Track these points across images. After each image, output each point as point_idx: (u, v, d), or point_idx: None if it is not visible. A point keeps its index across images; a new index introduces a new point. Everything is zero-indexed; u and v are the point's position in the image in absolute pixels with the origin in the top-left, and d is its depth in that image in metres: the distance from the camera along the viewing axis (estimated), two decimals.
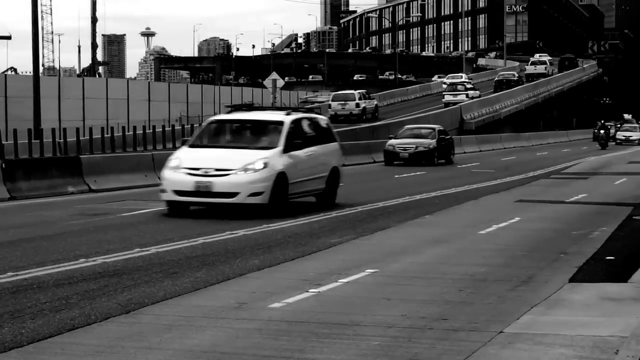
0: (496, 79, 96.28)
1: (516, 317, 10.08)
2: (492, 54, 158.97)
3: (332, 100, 72.94)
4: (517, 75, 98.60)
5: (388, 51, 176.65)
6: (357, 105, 71.11)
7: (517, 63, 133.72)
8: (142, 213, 20.78)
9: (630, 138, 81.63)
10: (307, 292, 11.44)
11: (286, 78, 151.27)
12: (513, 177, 34.56)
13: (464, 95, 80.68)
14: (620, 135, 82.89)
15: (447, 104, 78.47)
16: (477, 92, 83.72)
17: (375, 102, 75.97)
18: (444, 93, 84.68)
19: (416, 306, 10.65)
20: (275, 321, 9.80)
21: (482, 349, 8.67)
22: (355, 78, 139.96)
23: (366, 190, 28.18)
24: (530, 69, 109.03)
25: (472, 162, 46.01)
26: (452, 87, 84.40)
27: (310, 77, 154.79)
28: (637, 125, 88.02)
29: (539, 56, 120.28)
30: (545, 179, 34.28)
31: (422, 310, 10.41)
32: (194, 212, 21.16)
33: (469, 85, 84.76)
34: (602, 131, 70.97)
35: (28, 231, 17.27)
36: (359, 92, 74.57)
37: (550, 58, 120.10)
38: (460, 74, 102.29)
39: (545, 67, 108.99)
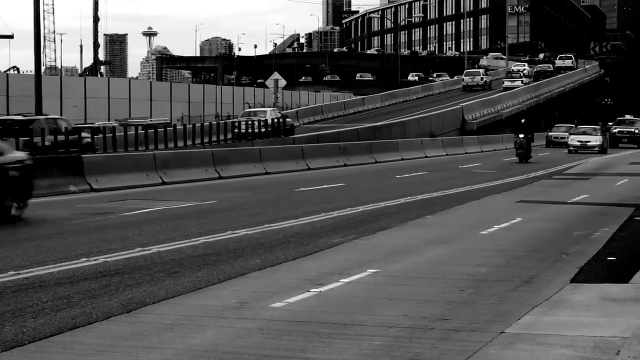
0: (535, 70, 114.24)
1: (517, 318, 10.08)
2: (491, 55, 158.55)
3: (465, 76, 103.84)
4: (552, 67, 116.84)
5: (421, 52, 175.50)
6: (482, 79, 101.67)
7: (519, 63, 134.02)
8: (144, 212, 20.80)
9: (588, 144, 61.01)
10: (309, 291, 11.44)
11: (328, 76, 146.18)
12: (514, 177, 34.55)
13: (520, 82, 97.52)
14: (574, 140, 62.38)
15: (506, 89, 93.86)
16: (528, 79, 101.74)
17: (490, 78, 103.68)
18: (503, 79, 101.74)
19: (417, 306, 10.66)
20: (277, 321, 9.81)
21: (483, 349, 8.67)
22: (409, 78, 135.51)
23: (367, 190, 28.18)
24: (559, 62, 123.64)
25: (474, 163, 45.98)
26: (510, 74, 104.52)
27: (358, 75, 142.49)
28: (597, 127, 66.64)
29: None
30: (546, 179, 34.28)
31: (423, 311, 10.42)
32: (195, 211, 21.18)
33: (523, 73, 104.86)
34: (520, 136, 46.00)
35: (29, 230, 17.29)
36: (483, 70, 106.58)
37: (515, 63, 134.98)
38: (523, 63, 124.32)
39: (572, 62, 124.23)
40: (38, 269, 12.62)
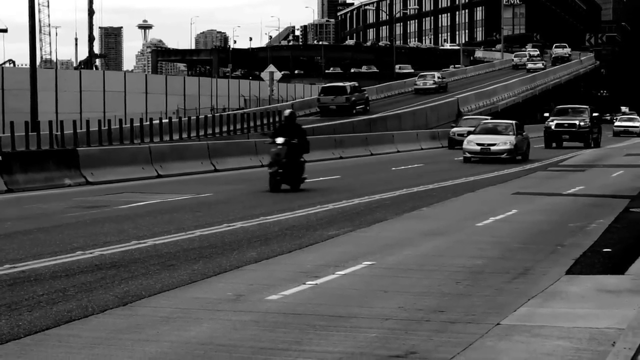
0: (553, 56, 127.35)
1: (513, 309, 10.09)
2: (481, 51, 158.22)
3: (515, 57, 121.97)
4: (568, 53, 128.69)
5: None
6: (527, 60, 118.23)
7: (535, 53, 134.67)
8: (140, 205, 20.79)
9: (492, 149, 39.80)
10: (304, 284, 11.44)
11: (364, 67, 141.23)
12: (510, 169, 34.56)
13: (541, 64, 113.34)
14: (472, 143, 40.48)
15: (529, 71, 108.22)
16: (545, 62, 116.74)
17: (544, 63, 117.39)
18: (527, 62, 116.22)
19: (413, 298, 10.66)
20: (272, 313, 9.81)
21: (479, 341, 8.68)
22: (451, 69, 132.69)
23: (363, 182, 28.19)
24: (557, 51, 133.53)
25: None
26: (531, 58, 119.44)
27: (397, 67, 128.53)
28: (511, 122, 43.08)
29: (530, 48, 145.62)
30: (542, 171, 34.29)
31: (419, 303, 10.42)
32: (191, 204, 21.17)
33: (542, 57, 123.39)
34: (278, 142, 25.51)
35: (25, 223, 17.28)
36: (528, 53, 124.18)
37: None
38: (535, 49, 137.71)
39: (570, 51, 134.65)
40: (34, 262, 12.62)
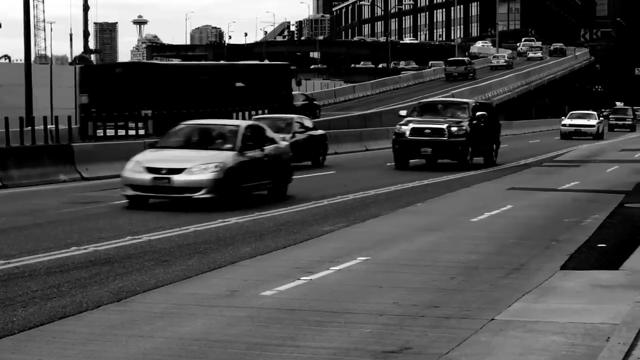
0: (551, 48, 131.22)
1: (508, 305, 10.10)
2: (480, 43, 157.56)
3: (523, 46, 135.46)
4: (565, 47, 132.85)
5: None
6: (538, 51, 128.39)
7: (510, 51, 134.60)
8: None
9: (177, 180, 19.06)
10: (299, 280, 11.44)
11: (402, 62, 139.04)
12: (505, 164, 34.56)
13: (540, 53, 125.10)
14: (139, 167, 19.75)
15: (530, 59, 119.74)
16: (543, 52, 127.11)
17: (541, 53, 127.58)
18: (527, 51, 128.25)
19: (408, 294, 10.66)
20: (267, 309, 9.81)
21: (474, 337, 8.68)
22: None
23: (358, 178, 28.17)
24: (555, 45, 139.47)
25: None
26: (531, 48, 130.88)
27: (445, 60, 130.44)
28: (236, 126, 21.40)
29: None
30: (537, 166, 34.29)
31: (413, 298, 10.43)
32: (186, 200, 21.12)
33: (542, 48, 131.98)
34: None
35: (20, 219, 17.25)
36: (539, 45, 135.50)
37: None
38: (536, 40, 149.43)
39: (541, 44, 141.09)
40: (28, 258, 12.60)
